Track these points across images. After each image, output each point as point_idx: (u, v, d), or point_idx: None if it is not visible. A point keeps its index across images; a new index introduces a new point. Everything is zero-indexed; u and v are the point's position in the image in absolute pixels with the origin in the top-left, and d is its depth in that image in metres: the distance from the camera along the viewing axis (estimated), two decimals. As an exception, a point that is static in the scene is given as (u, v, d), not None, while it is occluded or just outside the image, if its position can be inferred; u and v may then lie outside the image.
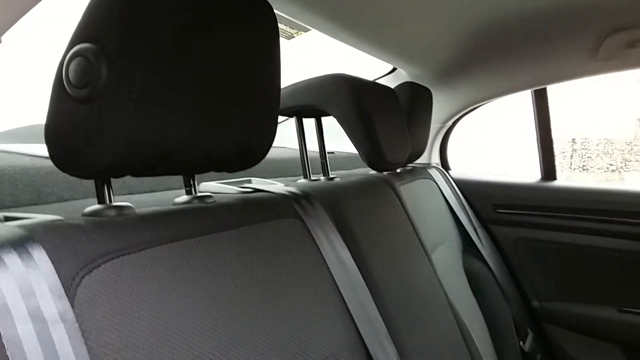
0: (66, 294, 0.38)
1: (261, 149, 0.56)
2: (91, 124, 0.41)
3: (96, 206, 0.49)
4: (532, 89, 1.53)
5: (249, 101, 0.52)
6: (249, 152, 0.55)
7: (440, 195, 1.47)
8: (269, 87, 0.55)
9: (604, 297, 1.47)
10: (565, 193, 1.52)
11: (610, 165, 2.59)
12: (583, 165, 2.64)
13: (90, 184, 0.58)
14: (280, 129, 0.63)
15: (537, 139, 1.58)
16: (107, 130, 0.41)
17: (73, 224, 0.43)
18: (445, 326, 0.96)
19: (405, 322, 0.79)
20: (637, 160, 2.59)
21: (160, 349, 0.43)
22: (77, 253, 0.40)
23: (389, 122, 0.98)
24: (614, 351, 1.46)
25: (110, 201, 0.49)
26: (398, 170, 1.29)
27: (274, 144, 0.58)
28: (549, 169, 1.57)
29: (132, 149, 0.42)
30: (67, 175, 0.46)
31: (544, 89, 1.53)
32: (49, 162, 0.45)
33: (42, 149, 0.55)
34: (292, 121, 0.97)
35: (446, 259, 1.25)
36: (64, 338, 0.36)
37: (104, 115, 0.41)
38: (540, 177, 1.60)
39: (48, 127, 0.43)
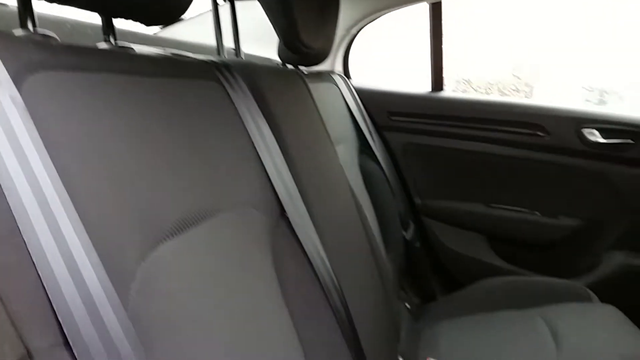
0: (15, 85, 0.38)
1: (183, 2, 0.57)
2: None
3: (21, 30, 0.48)
4: (430, 2, 1.63)
5: None
6: (171, 3, 0.55)
7: (342, 100, 1.56)
8: None
9: (475, 195, 1.70)
10: (451, 103, 1.69)
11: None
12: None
13: None
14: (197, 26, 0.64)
15: (430, 52, 1.71)
16: None
17: (6, 32, 0.43)
18: (347, 206, 1.07)
19: (315, 192, 0.87)
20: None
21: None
22: (17, 55, 0.40)
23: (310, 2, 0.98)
24: (480, 240, 1.72)
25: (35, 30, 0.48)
26: (305, 72, 1.34)
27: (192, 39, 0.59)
28: (438, 80, 1.72)
29: None
30: None
31: (440, 3, 1.64)
32: None
33: None
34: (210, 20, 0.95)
35: (345, 156, 1.36)
36: (17, 120, 0.37)
37: None
38: (430, 88, 1.75)
39: None
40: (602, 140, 1.54)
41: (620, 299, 1.34)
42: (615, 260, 1.57)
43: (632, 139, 1.51)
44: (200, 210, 0.55)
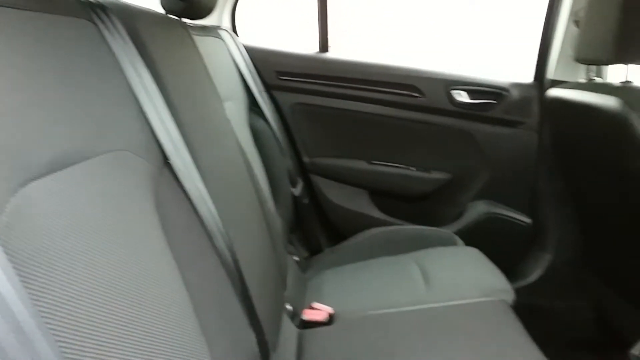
0: None
1: None
2: None
3: None
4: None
5: None
6: None
7: (229, 57, 1.54)
8: None
9: (358, 153, 1.80)
10: (335, 64, 1.75)
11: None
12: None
13: None
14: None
15: (317, 14, 1.74)
16: None
17: None
18: (234, 159, 1.08)
19: (200, 142, 0.87)
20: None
21: None
22: None
23: None
24: (363, 194, 1.83)
25: None
26: (191, 25, 1.30)
27: None
28: (324, 42, 1.77)
29: None
30: None
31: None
32: None
33: None
34: None
35: (234, 113, 1.36)
36: None
37: None
38: (317, 49, 1.79)
39: None
40: (469, 100, 1.71)
41: (481, 242, 1.52)
42: (477, 209, 1.77)
43: (494, 99, 1.69)
44: (74, 151, 0.54)
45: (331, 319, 1.21)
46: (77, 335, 0.44)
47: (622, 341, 1.10)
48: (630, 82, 1.23)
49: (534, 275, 1.72)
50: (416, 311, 1.19)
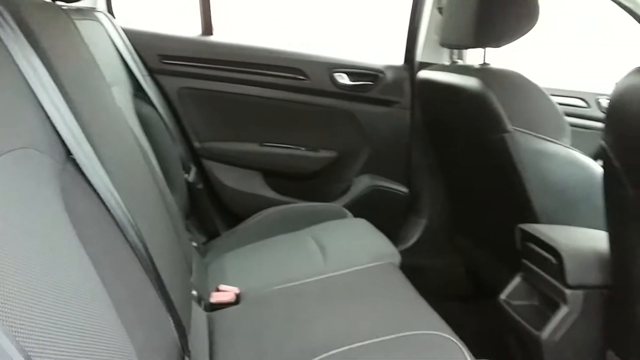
0: None
1: None
2: None
3: None
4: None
5: None
6: None
7: (109, 40, 1.47)
8: None
9: (249, 136, 1.83)
10: (220, 48, 1.76)
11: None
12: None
13: None
14: None
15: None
16: None
17: None
18: (132, 149, 1.06)
19: (99, 134, 0.85)
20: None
21: None
22: None
23: None
24: (256, 176, 1.88)
25: None
26: (63, 7, 1.22)
27: None
28: (207, 25, 1.76)
29: None
30: None
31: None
32: None
33: None
34: None
35: (120, 99, 1.31)
36: None
37: None
38: (201, 32, 1.77)
39: None
40: (349, 82, 1.82)
41: (367, 213, 1.66)
42: (361, 183, 1.91)
43: (371, 81, 1.83)
44: None
45: (238, 299, 1.26)
46: None
47: (493, 292, 1.29)
48: (488, 64, 1.42)
49: (414, 238, 1.91)
50: (317, 281, 1.28)
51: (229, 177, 1.85)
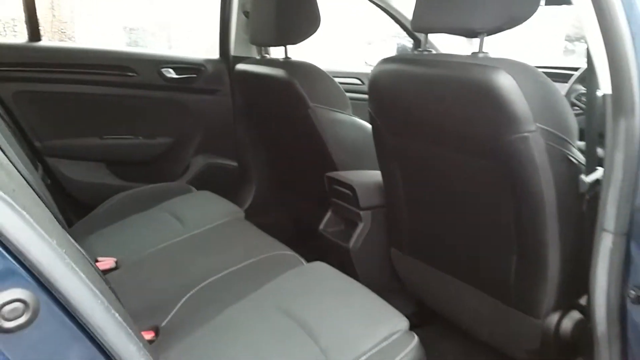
0: None
1: None
2: None
3: None
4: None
5: None
6: None
7: None
8: None
9: (89, 131, 2.00)
10: (50, 52, 1.88)
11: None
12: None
13: None
14: None
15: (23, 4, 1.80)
16: None
17: None
18: None
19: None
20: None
21: None
22: None
23: None
24: (101, 167, 2.06)
25: None
26: None
27: None
28: (34, 30, 1.85)
29: None
30: None
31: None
32: None
33: None
34: None
35: None
36: None
37: None
38: (27, 38, 1.86)
39: None
40: (176, 76, 2.11)
41: (208, 186, 1.99)
42: (198, 162, 2.23)
43: (195, 74, 2.14)
44: None
45: (117, 265, 1.49)
46: None
47: (313, 234, 1.77)
48: (290, 57, 1.86)
49: (247, 203, 2.31)
50: (182, 240, 1.57)
51: (74, 171, 1.99)
